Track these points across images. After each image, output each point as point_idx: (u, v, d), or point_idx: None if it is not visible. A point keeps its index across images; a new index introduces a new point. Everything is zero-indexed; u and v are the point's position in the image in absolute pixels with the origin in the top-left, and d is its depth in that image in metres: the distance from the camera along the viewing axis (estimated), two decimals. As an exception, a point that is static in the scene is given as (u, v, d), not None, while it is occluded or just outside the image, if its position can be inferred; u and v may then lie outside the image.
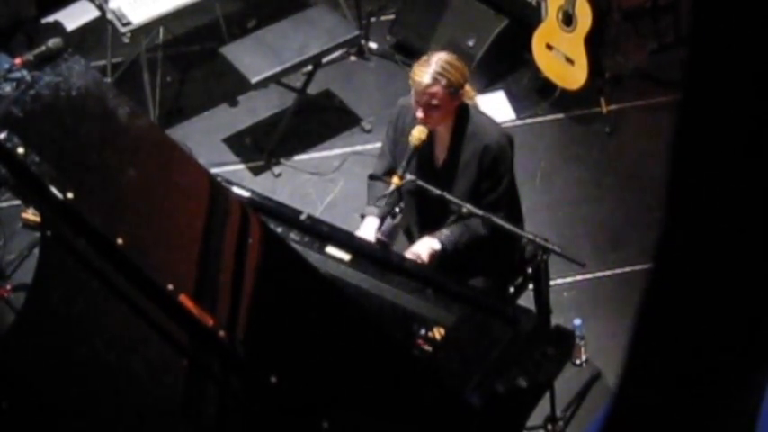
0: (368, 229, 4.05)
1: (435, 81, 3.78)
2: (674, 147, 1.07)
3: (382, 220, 4.10)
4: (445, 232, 3.97)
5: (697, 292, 1.13)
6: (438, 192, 3.84)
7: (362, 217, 4.15)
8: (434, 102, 3.79)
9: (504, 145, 3.96)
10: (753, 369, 1.19)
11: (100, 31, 5.93)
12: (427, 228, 4.09)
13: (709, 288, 1.11)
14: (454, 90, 3.81)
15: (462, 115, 3.94)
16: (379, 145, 5.52)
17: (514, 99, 5.84)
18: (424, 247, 3.92)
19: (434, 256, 3.91)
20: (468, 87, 3.97)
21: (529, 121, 5.73)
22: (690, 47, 1.04)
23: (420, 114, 3.83)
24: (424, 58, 3.90)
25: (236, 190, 3.95)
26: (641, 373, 1.24)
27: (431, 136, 3.98)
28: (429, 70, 3.79)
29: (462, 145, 3.94)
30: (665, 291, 1.16)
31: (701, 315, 1.14)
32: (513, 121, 5.64)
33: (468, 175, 3.94)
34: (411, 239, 4.16)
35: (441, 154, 4.02)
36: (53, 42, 4.19)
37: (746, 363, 1.17)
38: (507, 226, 3.82)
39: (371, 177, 4.21)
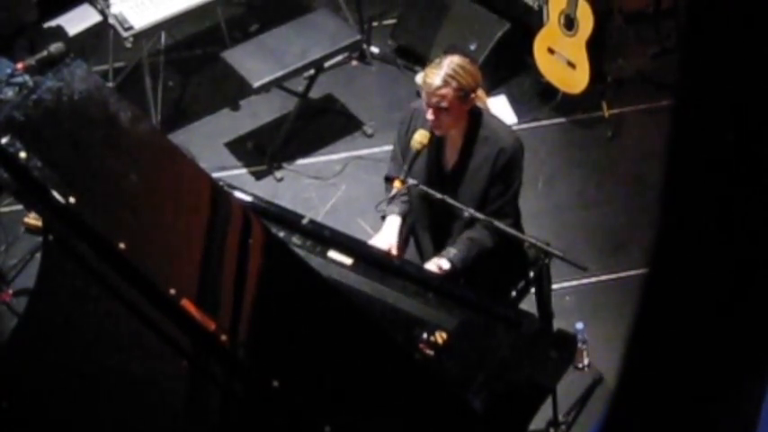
0: (391, 229, 4.05)
1: (446, 83, 3.78)
2: (671, 151, 1.07)
3: (404, 218, 4.10)
4: (453, 250, 3.94)
5: (693, 297, 1.13)
6: (439, 196, 3.84)
7: (383, 218, 4.14)
8: (443, 104, 3.79)
9: (519, 149, 3.96)
10: (752, 374, 1.19)
11: (102, 35, 5.93)
12: (436, 231, 4.09)
13: (706, 292, 1.12)
14: (464, 94, 3.81)
15: (475, 119, 3.94)
16: (380, 149, 5.56)
17: (516, 103, 5.84)
18: (432, 268, 3.92)
19: (444, 275, 3.91)
20: (480, 92, 3.97)
21: (530, 125, 5.73)
22: (683, 51, 1.04)
23: (430, 116, 3.83)
24: (437, 60, 3.91)
25: (237, 194, 3.95)
26: (639, 378, 1.24)
27: (441, 140, 3.98)
28: (440, 72, 3.80)
29: (475, 148, 3.94)
30: (662, 296, 1.16)
31: (697, 320, 1.14)
32: (515, 125, 5.63)
33: (480, 179, 3.93)
34: (418, 242, 4.16)
35: (451, 157, 4.01)
36: (55, 47, 4.19)
37: (745, 368, 1.17)
38: (510, 231, 3.82)
39: (387, 180, 4.18)
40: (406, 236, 4.13)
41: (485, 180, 3.93)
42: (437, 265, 3.91)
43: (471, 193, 3.93)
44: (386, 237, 4.03)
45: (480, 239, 3.96)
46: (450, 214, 3.96)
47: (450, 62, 3.84)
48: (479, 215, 3.80)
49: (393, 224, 4.07)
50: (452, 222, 4.03)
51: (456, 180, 3.97)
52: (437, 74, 3.80)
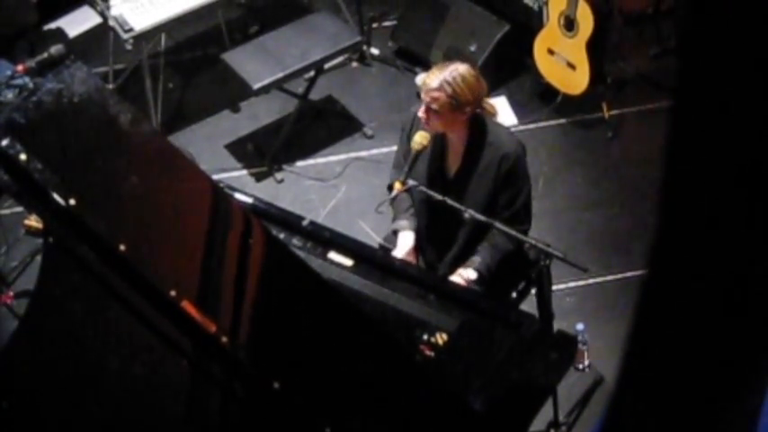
0: (406, 244, 4.03)
1: (440, 88, 3.77)
2: (669, 152, 1.07)
3: (418, 233, 4.08)
4: (477, 259, 3.94)
5: (692, 298, 1.13)
6: (440, 197, 3.83)
7: (395, 233, 4.12)
8: (434, 106, 3.79)
9: (522, 155, 3.95)
10: (750, 374, 1.19)
11: (102, 37, 5.93)
12: (439, 235, 4.08)
13: (705, 293, 1.12)
14: (456, 103, 3.79)
15: (478, 125, 3.93)
16: (381, 150, 5.57)
17: (516, 104, 5.84)
18: (461, 280, 3.91)
19: (472, 285, 3.91)
20: (488, 104, 3.97)
21: (531, 126, 5.73)
22: (680, 52, 1.04)
23: (421, 113, 3.83)
24: (446, 62, 3.92)
25: (238, 196, 3.95)
26: (637, 379, 1.24)
27: (443, 145, 3.98)
28: (440, 75, 3.79)
29: (477, 154, 3.93)
30: (661, 297, 1.17)
31: (696, 321, 1.14)
32: (516, 126, 5.63)
33: (484, 185, 3.93)
34: (421, 247, 4.15)
35: (454, 164, 4.00)
36: (55, 49, 4.18)
37: (743, 368, 1.17)
38: (510, 231, 3.82)
39: (390, 188, 4.16)
40: (416, 247, 4.11)
41: (489, 186, 3.92)
42: (466, 277, 3.90)
43: (476, 200, 3.92)
44: (405, 254, 4.01)
45: (500, 245, 3.95)
46: (452, 218, 3.95)
47: (454, 69, 3.82)
48: (479, 216, 3.80)
49: (408, 239, 4.05)
50: (455, 226, 4.02)
51: (459, 186, 3.96)
52: (437, 76, 3.80)
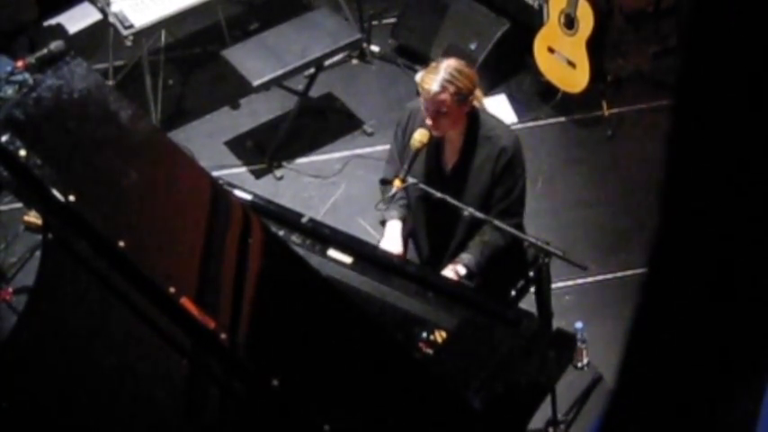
0: (393, 233, 4.03)
1: (444, 89, 3.76)
2: (669, 150, 1.07)
3: (403, 221, 4.08)
4: (467, 256, 3.93)
5: (692, 297, 1.13)
6: (439, 195, 3.83)
7: (383, 223, 4.12)
8: (443, 109, 3.77)
9: (519, 148, 3.95)
10: (750, 374, 1.19)
11: (102, 34, 5.93)
12: (436, 232, 4.08)
13: (704, 292, 1.12)
14: (462, 97, 3.79)
15: (474, 120, 3.92)
16: (381, 148, 5.56)
17: (516, 102, 5.84)
18: (449, 274, 3.91)
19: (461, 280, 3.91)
20: (477, 92, 3.97)
21: (530, 124, 5.73)
22: (683, 51, 1.04)
23: (429, 122, 3.82)
24: (433, 64, 3.89)
25: (237, 193, 3.95)
26: (636, 378, 1.24)
27: (440, 141, 3.97)
28: (437, 78, 3.77)
29: (475, 149, 3.93)
30: (661, 295, 1.17)
31: (696, 319, 1.14)
32: (515, 124, 5.63)
33: (482, 180, 3.92)
34: (417, 244, 4.15)
35: (451, 159, 4.00)
36: (55, 45, 4.19)
37: (743, 368, 1.17)
38: (510, 229, 3.81)
39: (383, 182, 4.17)
40: (406, 239, 4.12)
41: (487, 180, 3.92)
42: (454, 271, 3.90)
43: (474, 194, 3.92)
44: (391, 242, 4.01)
45: (492, 241, 3.95)
46: (449, 214, 3.95)
47: (447, 66, 3.81)
48: (479, 214, 3.80)
49: (395, 229, 4.05)
50: (452, 223, 4.02)
51: (457, 181, 3.96)
52: (434, 79, 3.77)
